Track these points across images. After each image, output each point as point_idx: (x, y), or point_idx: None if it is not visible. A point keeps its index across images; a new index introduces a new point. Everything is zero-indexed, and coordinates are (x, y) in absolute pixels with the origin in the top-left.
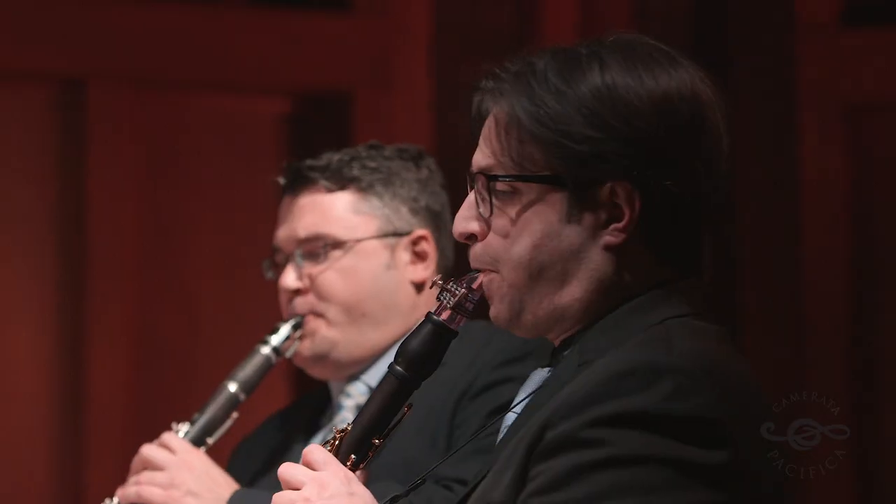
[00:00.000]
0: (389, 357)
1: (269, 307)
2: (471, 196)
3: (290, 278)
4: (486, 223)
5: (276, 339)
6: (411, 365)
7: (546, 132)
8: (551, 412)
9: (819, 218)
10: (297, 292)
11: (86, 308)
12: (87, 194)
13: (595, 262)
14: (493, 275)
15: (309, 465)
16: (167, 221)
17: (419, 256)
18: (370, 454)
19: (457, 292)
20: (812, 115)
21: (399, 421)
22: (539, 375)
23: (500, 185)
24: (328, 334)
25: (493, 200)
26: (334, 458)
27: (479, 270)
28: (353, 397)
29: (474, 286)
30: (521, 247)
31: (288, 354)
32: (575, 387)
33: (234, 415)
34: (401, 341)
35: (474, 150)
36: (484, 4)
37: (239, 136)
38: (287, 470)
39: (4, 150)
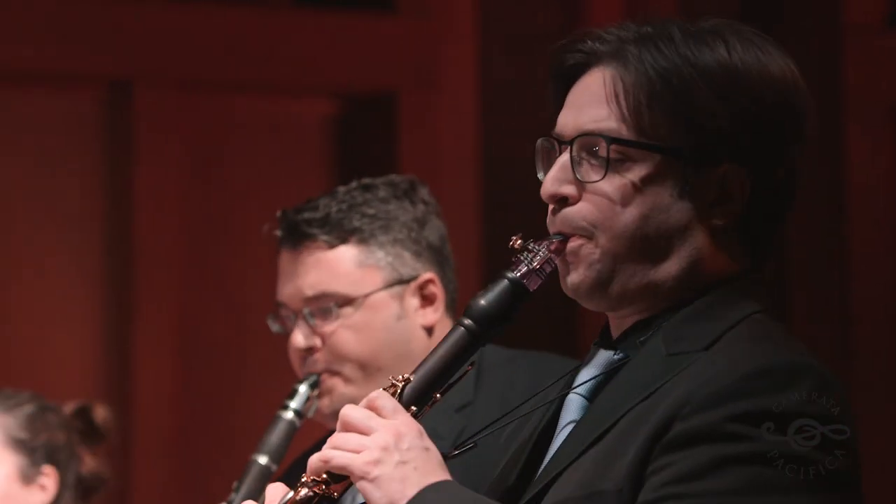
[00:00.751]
0: None
1: None
2: (564, 157)
3: (301, 338)
4: (583, 187)
5: (296, 403)
6: (482, 320)
7: (678, 101)
8: (678, 404)
9: (865, 220)
10: (310, 350)
11: (132, 310)
12: (133, 196)
13: (698, 241)
14: (582, 240)
15: (376, 412)
16: (213, 223)
17: (427, 300)
18: (427, 408)
19: (539, 253)
20: (857, 117)
21: (461, 377)
22: (602, 358)
23: (612, 151)
24: (346, 391)
25: (609, 165)
26: (404, 410)
27: (562, 235)
28: None
29: (554, 248)
30: (630, 215)
31: (310, 415)
32: (701, 382)
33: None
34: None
35: (554, 109)
36: (529, 4)
37: (284, 138)
38: (352, 413)
39: (52, 151)
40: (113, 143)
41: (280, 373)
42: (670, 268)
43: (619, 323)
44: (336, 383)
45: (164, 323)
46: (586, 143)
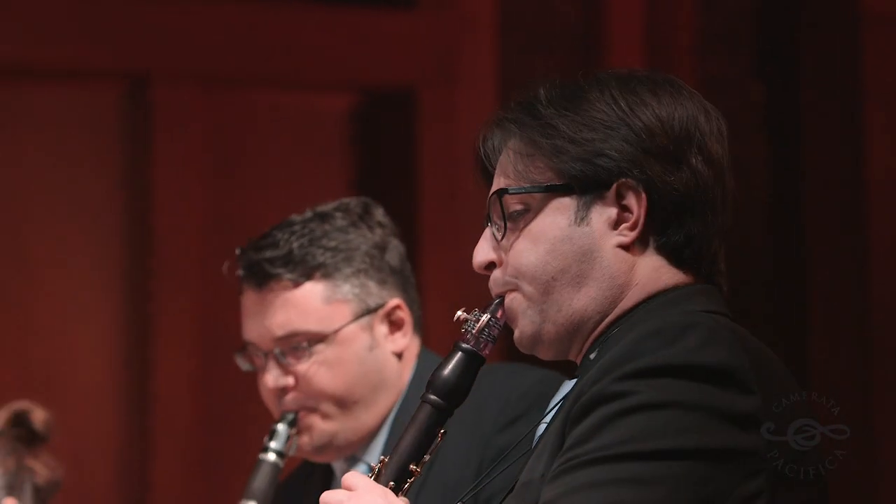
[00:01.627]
0: (385, 431)
1: None
2: (487, 230)
3: (274, 377)
4: (502, 248)
5: (276, 444)
6: (445, 394)
7: (549, 141)
8: (581, 386)
9: (886, 212)
10: (284, 390)
11: (152, 306)
12: (153, 192)
13: (608, 261)
14: (514, 294)
15: (348, 489)
16: (233, 218)
17: (395, 325)
18: (408, 482)
19: (482, 319)
20: (878, 109)
21: (434, 448)
22: (565, 387)
23: (512, 206)
24: (325, 427)
25: (507, 221)
26: (373, 481)
27: (501, 298)
28: None
29: (498, 314)
30: (536, 255)
31: (291, 453)
32: (601, 362)
33: None
34: (431, 373)
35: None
36: None
37: (304, 133)
38: (328, 495)
39: (71, 147)
40: (132, 138)
41: None
42: (590, 292)
43: (577, 358)
44: (314, 420)
45: (184, 317)
46: (494, 207)
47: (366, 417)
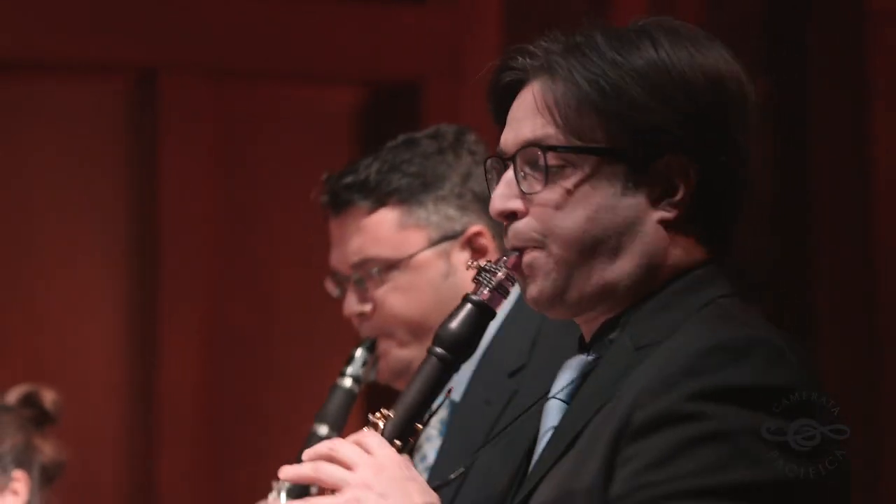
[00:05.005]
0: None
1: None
2: (509, 173)
3: (352, 304)
4: (529, 200)
5: (353, 369)
6: (452, 347)
7: (608, 102)
8: (636, 395)
9: (892, 211)
10: (362, 315)
11: (158, 301)
12: (159, 185)
13: (649, 236)
14: (535, 252)
15: (363, 448)
16: (240, 212)
17: (478, 252)
18: (412, 440)
19: (497, 272)
20: (884, 106)
21: (441, 405)
22: (577, 361)
23: (551, 159)
24: (400, 354)
25: (548, 175)
26: (388, 444)
27: (517, 249)
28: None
29: (511, 265)
30: (575, 220)
31: (370, 379)
32: (656, 368)
33: None
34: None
35: (498, 129)
36: None
37: (310, 127)
38: (339, 447)
39: (78, 141)
40: (140, 132)
41: (307, 363)
42: (624, 266)
43: (588, 326)
44: (390, 346)
45: (191, 313)
46: (527, 155)
47: None
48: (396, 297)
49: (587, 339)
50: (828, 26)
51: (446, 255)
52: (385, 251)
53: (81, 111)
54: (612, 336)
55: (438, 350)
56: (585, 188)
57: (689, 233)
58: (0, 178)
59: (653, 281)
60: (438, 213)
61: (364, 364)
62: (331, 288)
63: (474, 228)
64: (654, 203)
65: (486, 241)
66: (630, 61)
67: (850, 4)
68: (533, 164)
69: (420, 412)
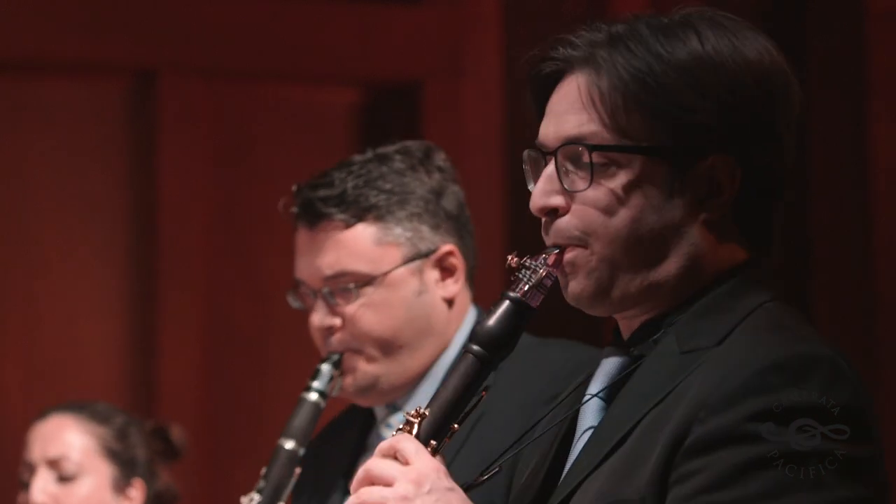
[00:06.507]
0: (429, 380)
1: None
2: (549, 168)
3: (321, 317)
4: (571, 197)
5: (319, 384)
6: (490, 345)
7: (654, 100)
8: (695, 408)
9: (891, 209)
10: (330, 329)
11: (158, 299)
12: (158, 185)
13: (694, 237)
14: (578, 250)
15: (398, 454)
16: (239, 212)
17: (447, 271)
18: (446, 440)
19: (537, 269)
20: (883, 105)
21: (476, 405)
22: (613, 362)
23: (595, 157)
24: (368, 370)
25: (593, 173)
26: (425, 450)
27: (557, 247)
28: (394, 427)
29: (552, 262)
30: (620, 221)
31: (334, 394)
32: (713, 382)
33: (297, 470)
34: (474, 327)
35: (535, 119)
36: None
37: (311, 127)
38: (373, 466)
39: (77, 141)
40: (139, 132)
41: (305, 359)
42: (669, 267)
43: (627, 324)
44: (358, 361)
45: (190, 311)
46: (569, 151)
47: (410, 363)
48: (369, 313)
49: (625, 336)
50: (828, 26)
51: (419, 273)
52: (362, 266)
53: (81, 111)
54: (655, 337)
55: (476, 347)
56: (629, 187)
57: (733, 233)
58: (0, 178)
59: (696, 281)
60: (412, 231)
61: (330, 379)
62: (292, 300)
63: (445, 248)
64: (699, 203)
65: (457, 260)
66: (676, 55)
67: (850, 4)
68: (575, 161)
69: (456, 411)
